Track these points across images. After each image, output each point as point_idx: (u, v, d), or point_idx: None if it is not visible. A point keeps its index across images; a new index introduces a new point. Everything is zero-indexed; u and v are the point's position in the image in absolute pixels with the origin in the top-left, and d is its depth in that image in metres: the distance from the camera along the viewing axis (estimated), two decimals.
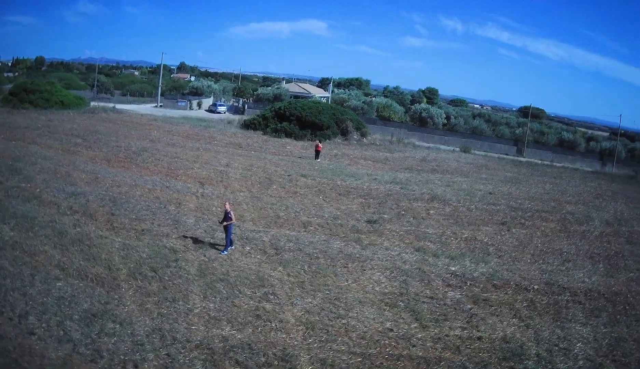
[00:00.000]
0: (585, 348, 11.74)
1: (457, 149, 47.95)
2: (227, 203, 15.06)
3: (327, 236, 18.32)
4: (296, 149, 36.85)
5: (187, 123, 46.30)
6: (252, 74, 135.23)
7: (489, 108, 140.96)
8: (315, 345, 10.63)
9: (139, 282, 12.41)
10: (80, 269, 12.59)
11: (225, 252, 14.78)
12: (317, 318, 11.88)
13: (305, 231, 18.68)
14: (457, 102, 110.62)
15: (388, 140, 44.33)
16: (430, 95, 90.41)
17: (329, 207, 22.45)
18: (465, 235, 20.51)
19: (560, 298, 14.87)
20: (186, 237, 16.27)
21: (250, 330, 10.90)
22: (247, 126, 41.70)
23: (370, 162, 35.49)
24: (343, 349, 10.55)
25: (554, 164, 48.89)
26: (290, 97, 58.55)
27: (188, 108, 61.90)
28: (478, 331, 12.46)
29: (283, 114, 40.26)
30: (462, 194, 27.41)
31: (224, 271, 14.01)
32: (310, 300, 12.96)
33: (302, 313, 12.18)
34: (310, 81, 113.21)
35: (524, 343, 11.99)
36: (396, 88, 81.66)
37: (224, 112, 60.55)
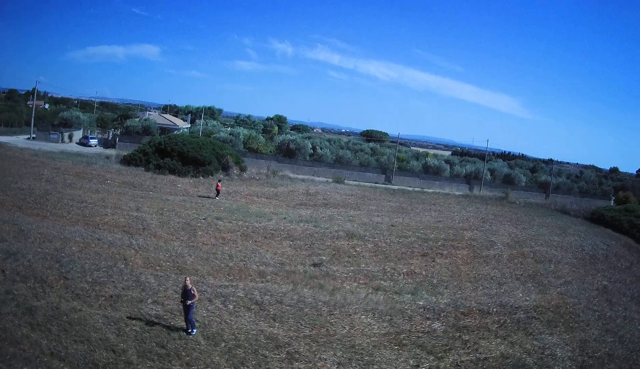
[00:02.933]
0: (564, 352, 15.98)
1: (330, 180, 52.92)
2: (187, 279, 14.51)
3: (291, 285, 19.70)
4: (189, 188, 37.81)
5: (68, 159, 45.67)
6: (88, 99, 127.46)
7: (320, 130, 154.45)
8: None
9: (158, 363, 12.06)
10: (82, 357, 11.64)
11: (194, 332, 14.21)
12: None
13: (267, 281, 19.76)
14: (300, 128, 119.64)
15: (264, 173, 47.30)
16: (279, 123, 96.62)
17: (265, 252, 23.72)
18: (404, 270, 24.11)
19: (518, 316, 19.33)
20: (160, 302, 16.09)
21: None
22: (127, 161, 42.38)
23: (264, 199, 37.82)
24: None
25: (425, 190, 57.83)
26: (157, 128, 58.65)
27: (60, 141, 62.79)
28: (480, 353, 15.71)
29: (164, 150, 41.47)
30: (370, 229, 31.27)
31: (230, 335, 14.36)
32: (332, 353, 14.39)
33: (337, 367, 13.59)
34: (154, 108, 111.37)
35: (519, 357, 15.66)
36: (248, 117, 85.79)
37: (95, 146, 63.22)
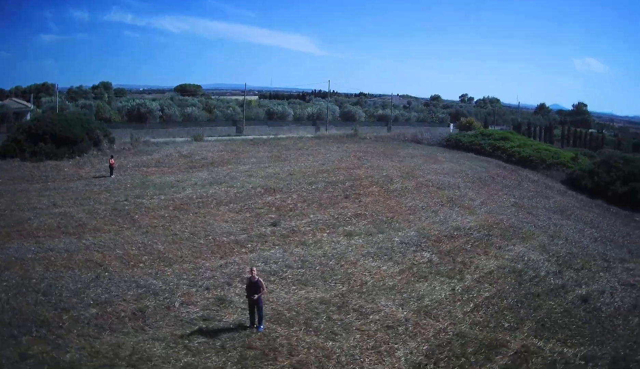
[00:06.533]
0: (536, 256, 21.34)
1: (189, 139, 52.97)
2: (253, 270, 14.44)
3: (276, 248, 21.06)
4: (76, 170, 36.22)
5: None
6: None
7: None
8: None
9: (269, 365, 12.67)
10: None
11: (262, 328, 14.33)
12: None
13: (253, 250, 20.76)
14: (119, 92, 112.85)
15: (129, 142, 46.21)
16: (106, 89, 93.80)
17: (215, 222, 24.26)
18: (349, 214, 27.26)
19: (475, 235, 24.30)
20: (191, 303, 16.24)
21: None
22: (2, 155, 39.61)
23: (153, 168, 37.07)
24: None
25: (278, 136, 60.98)
26: (12, 114, 52.91)
27: None
28: (482, 270, 19.97)
29: (36, 134, 39.61)
30: (276, 180, 33.18)
31: (292, 312, 15.60)
32: (385, 299, 16.84)
33: (402, 310, 16.32)
34: None
35: (510, 265, 20.47)
36: (80, 87, 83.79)
37: None
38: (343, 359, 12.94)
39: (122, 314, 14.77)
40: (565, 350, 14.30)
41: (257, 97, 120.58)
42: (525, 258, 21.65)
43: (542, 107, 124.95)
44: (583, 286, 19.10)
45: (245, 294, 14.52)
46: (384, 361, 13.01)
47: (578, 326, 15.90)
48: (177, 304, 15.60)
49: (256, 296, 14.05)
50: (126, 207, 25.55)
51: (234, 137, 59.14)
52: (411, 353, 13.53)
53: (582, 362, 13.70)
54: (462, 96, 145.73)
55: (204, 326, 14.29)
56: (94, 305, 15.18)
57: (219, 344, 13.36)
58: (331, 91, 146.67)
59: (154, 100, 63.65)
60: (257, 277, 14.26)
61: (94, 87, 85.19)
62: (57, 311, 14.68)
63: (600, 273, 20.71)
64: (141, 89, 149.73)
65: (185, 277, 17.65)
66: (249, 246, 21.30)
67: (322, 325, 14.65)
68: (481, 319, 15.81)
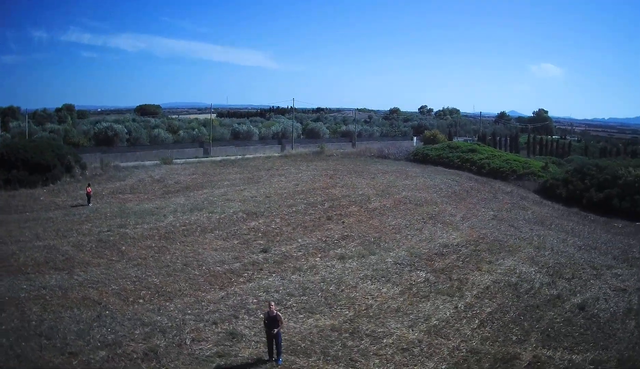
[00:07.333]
0: (527, 268, 22.50)
1: (158, 162, 52.81)
2: (272, 304, 14.80)
3: (273, 276, 21.37)
4: (53, 199, 36.04)
5: None
6: None
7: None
8: None
9: None
10: None
11: (281, 361, 14.63)
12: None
13: (250, 279, 20.94)
14: (81, 114, 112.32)
15: (98, 167, 45.94)
16: (69, 112, 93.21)
17: (204, 251, 24.27)
18: (336, 236, 27.82)
19: (464, 251, 25.33)
20: (202, 339, 16.27)
21: None
22: None
23: (129, 195, 37.13)
24: None
25: (246, 156, 61.39)
26: None
27: None
28: (479, 286, 20.88)
29: (8, 160, 39.52)
30: (256, 204, 33.52)
31: (307, 342, 15.93)
32: (394, 322, 17.54)
33: (413, 331, 17.01)
34: None
35: (504, 279, 21.51)
36: (44, 110, 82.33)
37: None
38: None
39: (134, 355, 14.65)
40: (573, 357, 15.26)
41: (215, 115, 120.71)
42: (517, 271, 22.71)
43: (502, 116, 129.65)
44: (577, 295, 20.26)
45: (264, 328, 14.74)
46: None
47: (580, 333, 16.94)
48: (188, 342, 15.59)
49: (275, 330, 14.34)
50: (111, 238, 25.44)
51: (202, 158, 59.52)
52: None
53: (592, 366, 14.68)
54: (422, 108, 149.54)
55: (222, 363, 14.40)
56: (102, 347, 15.00)
57: None
58: (288, 107, 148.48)
59: (117, 123, 63.17)
60: (275, 311, 14.57)
61: (58, 110, 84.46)
62: (65, 355, 14.44)
63: (591, 281, 21.98)
64: (99, 109, 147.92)
65: (189, 312, 17.65)
66: (245, 275, 21.52)
67: (340, 353, 15.05)
68: (489, 335, 16.60)
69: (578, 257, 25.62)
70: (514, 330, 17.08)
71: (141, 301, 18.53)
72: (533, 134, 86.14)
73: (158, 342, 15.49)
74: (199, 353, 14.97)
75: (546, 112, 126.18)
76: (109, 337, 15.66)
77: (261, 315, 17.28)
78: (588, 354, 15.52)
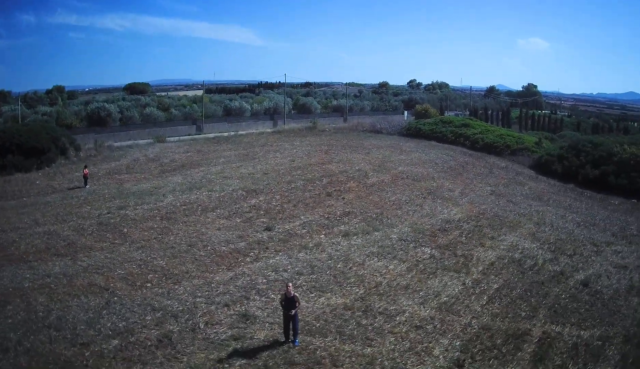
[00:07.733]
0: (529, 244, 22.88)
1: (151, 140, 52.58)
2: (289, 285, 14.78)
3: (280, 255, 21.50)
4: (49, 183, 35.54)
5: None
6: None
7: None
8: None
9: None
10: None
11: (297, 342, 14.70)
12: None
13: (258, 258, 21.08)
14: (71, 95, 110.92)
15: (93, 148, 45.51)
16: (59, 93, 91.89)
17: (208, 230, 24.30)
18: (337, 212, 28.02)
19: (466, 227, 25.64)
20: (215, 322, 16.35)
21: None
22: None
23: (125, 176, 36.79)
24: None
25: (239, 132, 61.28)
26: None
27: None
28: (484, 262, 21.25)
29: (3, 146, 39.16)
30: (254, 181, 33.52)
31: (321, 321, 16.06)
32: (405, 299, 17.78)
33: (423, 307, 17.31)
34: None
35: (508, 255, 21.88)
36: (35, 93, 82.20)
37: None
38: (387, 364, 13.64)
39: (148, 343, 14.50)
40: (581, 333, 15.68)
41: (202, 91, 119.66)
42: (520, 247, 23.10)
43: (492, 90, 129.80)
44: (580, 271, 20.70)
45: (282, 309, 14.82)
46: (424, 361, 13.84)
47: (586, 309, 17.38)
48: (202, 325, 15.54)
49: (293, 311, 14.43)
50: (112, 221, 25.22)
51: (195, 136, 59.20)
52: (447, 350, 14.43)
53: (600, 342, 15.09)
54: (411, 82, 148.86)
55: (238, 346, 14.42)
56: (114, 336, 14.81)
57: (261, 363, 13.60)
58: (277, 82, 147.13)
59: (108, 102, 62.21)
60: (292, 292, 14.61)
61: (48, 92, 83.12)
62: (77, 347, 14.15)
63: (592, 257, 22.44)
64: (87, 89, 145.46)
65: (199, 294, 17.61)
66: (252, 254, 21.54)
67: (355, 332, 15.25)
68: (499, 311, 16.96)
69: (578, 234, 26.07)
70: (522, 306, 17.43)
71: (149, 284, 18.40)
72: (525, 109, 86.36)
73: (171, 327, 15.35)
74: (214, 337, 14.94)
75: (535, 86, 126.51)
76: (120, 325, 15.43)
77: (272, 296, 17.49)
78: (595, 330, 15.96)
